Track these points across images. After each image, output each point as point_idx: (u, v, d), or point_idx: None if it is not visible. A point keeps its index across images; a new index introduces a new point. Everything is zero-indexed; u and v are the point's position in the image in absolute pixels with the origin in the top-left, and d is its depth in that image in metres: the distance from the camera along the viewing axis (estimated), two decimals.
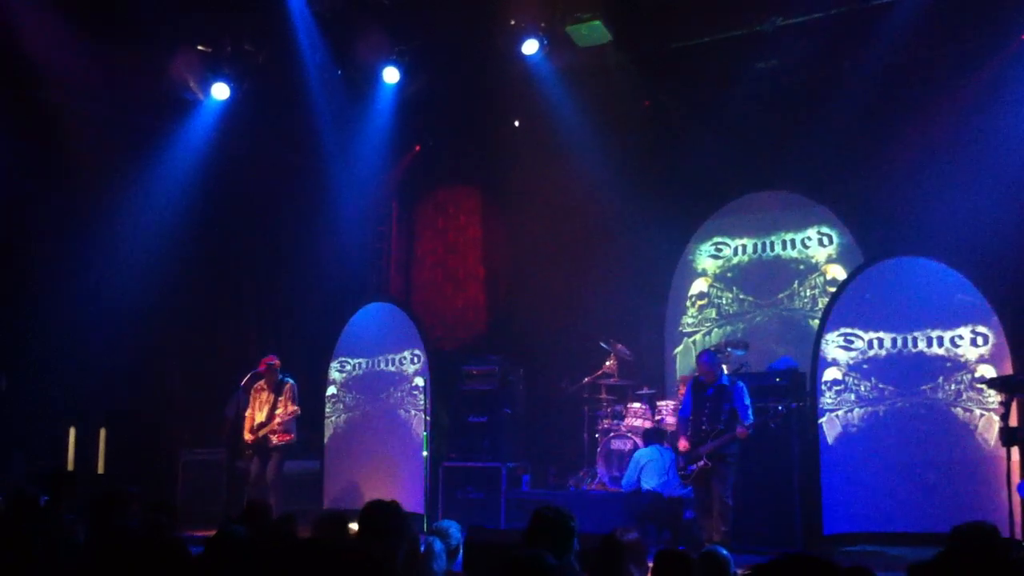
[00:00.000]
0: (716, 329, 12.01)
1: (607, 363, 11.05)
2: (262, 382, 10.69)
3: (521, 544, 4.61)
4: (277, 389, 10.62)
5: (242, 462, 10.89)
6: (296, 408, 10.60)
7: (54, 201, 11.31)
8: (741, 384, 8.70)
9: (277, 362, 10.67)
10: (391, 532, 4.49)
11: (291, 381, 10.69)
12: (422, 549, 5.13)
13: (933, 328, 9.21)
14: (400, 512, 4.66)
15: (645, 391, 10.85)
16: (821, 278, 11.43)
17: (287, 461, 11.28)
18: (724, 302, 12.04)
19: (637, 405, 10.63)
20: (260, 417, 10.58)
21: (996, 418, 8.46)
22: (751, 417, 8.47)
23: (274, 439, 10.51)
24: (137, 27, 10.40)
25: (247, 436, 10.59)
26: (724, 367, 9.15)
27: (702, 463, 8.47)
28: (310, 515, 10.96)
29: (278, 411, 10.52)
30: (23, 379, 11.05)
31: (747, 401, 8.53)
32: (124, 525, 4.57)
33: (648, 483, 9.23)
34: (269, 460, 10.50)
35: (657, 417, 10.47)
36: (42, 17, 10.02)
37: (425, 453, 10.92)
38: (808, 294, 11.49)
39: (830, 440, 9.42)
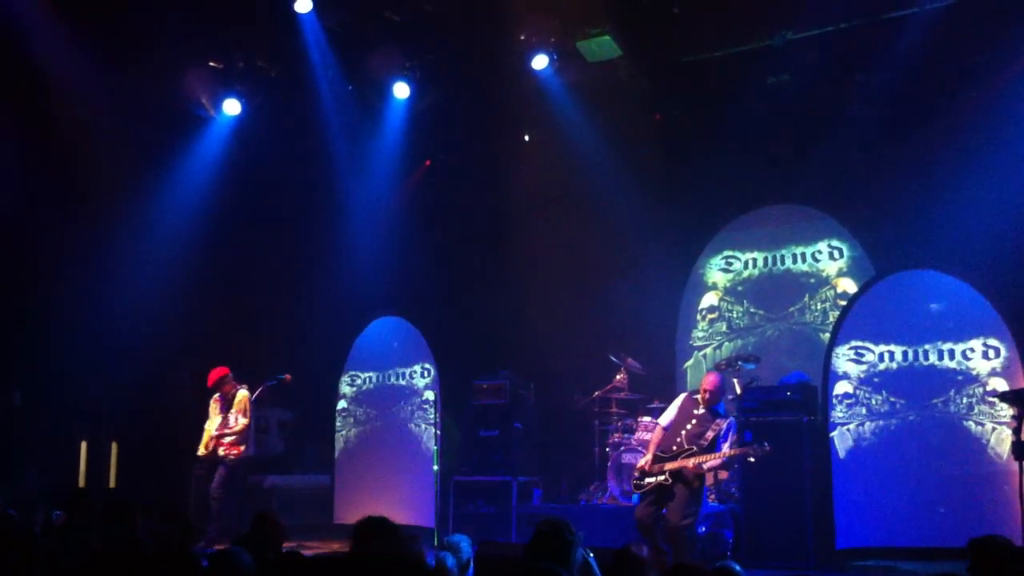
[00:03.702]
0: (726, 343, 11.99)
1: (617, 377, 11.04)
2: (217, 395, 10.42)
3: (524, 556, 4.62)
4: (230, 401, 10.33)
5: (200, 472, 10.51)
6: (246, 421, 10.21)
7: (66, 216, 11.38)
8: (732, 421, 8.38)
9: (225, 371, 10.36)
10: (383, 545, 4.50)
11: (244, 392, 10.38)
12: (432, 564, 5.14)
13: (944, 341, 9.18)
14: (391, 526, 4.67)
15: (656, 405, 10.79)
16: (832, 291, 11.42)
17: (279, 476, 11.26)
18: (734, 316, 12.03)
19: (648, 419, 10.58)
20: (211, 430, 10.34)
21: (1008, 431, 8.42)
22: (721, 457, 8.04)
23: (221, 450, 10.17)
24: (150, 43, 10.50)
25: (200, 450, 10.31)
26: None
27: (662, 478, 8.05)
28: (321, 530, 11.09)
29: (228, 424, 10.21)
30: (35, 393, 11.12)
31: (729, 438, 8.14)
32: (137, 538, 4.59)
33: None
34: (216, 473, 10.14)
35: None
36: (55, 33, 10.12)
37: (436, 467, 10.92)
38: (819, 307, 11.47)
39: (841, 454, 9.38)
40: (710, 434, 8.14)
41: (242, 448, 10.25)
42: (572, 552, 4.61)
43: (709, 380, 8.42)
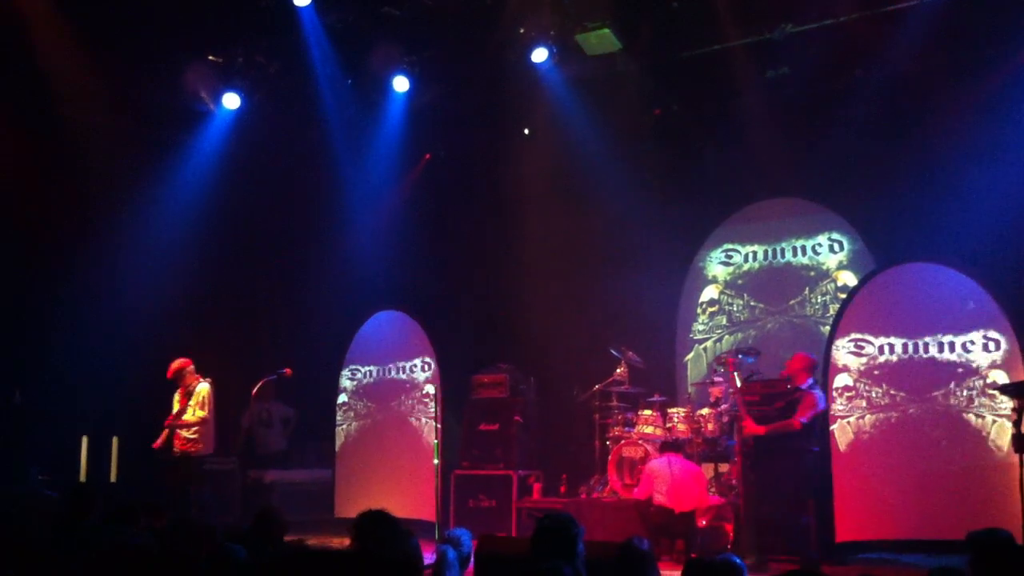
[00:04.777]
0: (727, 336, 12.00)
1: (618, 370, 11.03)
2: (179, 388, 10.00)
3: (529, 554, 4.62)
4: (189, 394, 9.92)
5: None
6: (203, 414, 9.81)
7: (66, 213, 11.37)
8: (817, 392, 8.63)
9: (187, 363, 10.00)
10: (383, 538, 4.52)
11: (206, 385, 9.97)
12: (434, 558, 5.15)
13: (944, 334, 9.19)
14: (390, 519, 4.70)
15: (656, 398, 10.82)
16: (832, 284, 11.42)
17: (280, 471, 11.23)
18: (735, 309, 12.04)
19: (648, 412, 10.61)
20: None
21: (1008, 424, 8.44)
22: (801, 421, 8.42)
23: (178, 445, 9.80)
24: (149, 38, 10.49)
25: (158, 442, 9.88)
26: (809, 377, 8.94)
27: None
28: (321, 524, 11.09)
29: (184, 416, 9.83)
30: (36, 389, 11.11)
31: (802, 408, 8.45)
32: (140, 537, 4.60)
33: (660, 495, 9.21)
34: (178, 470, 9.77)
35: (668, 425, 10.44)
36: (55, 30, 10.11)
37: (436, 461, 10.94)
38: (819, 300, 11.48)
39: (842, 447, 9.40)
40: (780, 403, 8.65)
41: (200, 445, 9.87)
42: (577, 546, 4.61)
43: (790, 360, 9.05)
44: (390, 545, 4.48)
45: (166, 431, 9.89)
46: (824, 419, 9.36)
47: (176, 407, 9.98)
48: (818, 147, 10.78)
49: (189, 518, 6.56)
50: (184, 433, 9.83)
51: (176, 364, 9.98)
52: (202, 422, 9.85)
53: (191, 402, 9.88)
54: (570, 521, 4.66)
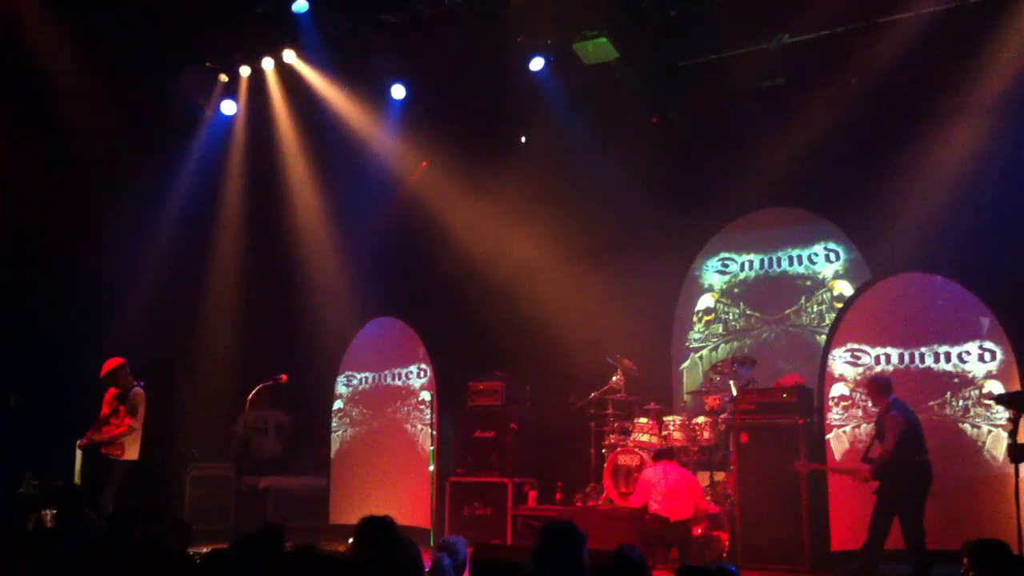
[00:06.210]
0: (723, 345, 12.00)
1: (614, 379, 11.03)
2: (112, 388, 9.43)
3: (530, 560, 4.62)
4: (122, 396, 9.34)
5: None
6: (130, 422, 9.21)
7: (63, 217, 11.36)
8: (894, 412, 8.07)
9: (120, 362, 9.42)
10: (385, 544, 4.52)
11: (139, 389, 9.37)
12: (429, 565, 5.14)
13: (940, 344, 9.21)
14: (393, 525, 4.70)
15: (652, 407, 10.82)
16: (828, 294, 11.43)
17: (275, 477, 11.31)
18: (731, 318, 12.04)
19: (644, 420, 10.61)
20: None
21: (1004, 434, 8.42)
22: (889, 449, 7.92)
23: (102, 448, 9.24)
24: (148, 44, 10.52)
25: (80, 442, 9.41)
26: (891, 394, 8.29)
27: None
28: (316, 531, 11.08)
29: (113, 420, 9.26)
30: (33, 395, 11.10)
31: (895, 431, 7.93)
32: (136, 540, 4.61)
33: (655, 504, 9.20)
34: (103, 474, 9.20)
35: (664, 433, 10.45)
36: (55, 34, 10.13)
37: (432, 468, 10.94)
38: (815, 310, 11.49)
39: (838, 456, 9.41)
40: (873, 431, 8.39)
41: (120, 450, 9.26)
42: (581, 554, 4.60)
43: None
44: (392, 552, 4.48)
45: (98, 437, 9.33)
46: (914, 431, 8.38)
47: (106, 409, 9.43)
48: (814, 156, 10.78)
49: (181, 519, 6.56)
50: (107, 438, 9.28)
51: (111, 363, 9.43)
52: (129, 430, 9.31)
53: (124, 407, 9.33)
54: (572, 529, 4.65)
